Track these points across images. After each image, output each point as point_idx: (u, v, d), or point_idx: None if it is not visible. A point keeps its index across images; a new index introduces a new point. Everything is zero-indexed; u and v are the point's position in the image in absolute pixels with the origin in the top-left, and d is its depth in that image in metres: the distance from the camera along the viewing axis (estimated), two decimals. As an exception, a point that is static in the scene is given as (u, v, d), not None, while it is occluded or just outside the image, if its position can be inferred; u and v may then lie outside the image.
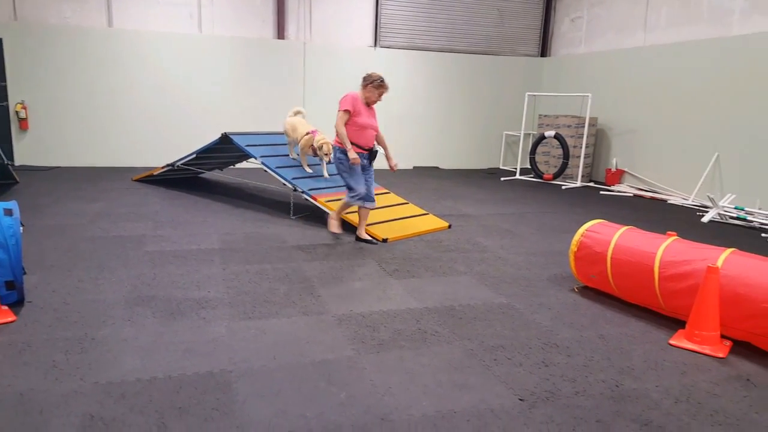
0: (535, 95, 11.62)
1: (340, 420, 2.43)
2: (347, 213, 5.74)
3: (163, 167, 7.91)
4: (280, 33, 10.54)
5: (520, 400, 2.67)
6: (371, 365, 2.95)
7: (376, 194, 6.22)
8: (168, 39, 9.90)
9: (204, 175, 9.01)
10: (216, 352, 3.02)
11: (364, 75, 5.22)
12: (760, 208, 7.33)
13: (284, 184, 6.35)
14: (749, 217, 7.12)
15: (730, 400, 2.76)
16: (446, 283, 4.36)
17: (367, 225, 5.69)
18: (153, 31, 9.85)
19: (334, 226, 5.50)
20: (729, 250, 3.47)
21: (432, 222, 6.21)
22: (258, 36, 10.50)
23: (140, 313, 3.50)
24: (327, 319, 3.55)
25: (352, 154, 5.12)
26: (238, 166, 8.99)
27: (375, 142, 5.38)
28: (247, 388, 2.66)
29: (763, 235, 6.56)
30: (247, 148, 6.60)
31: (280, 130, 7.13)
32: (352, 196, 5.28)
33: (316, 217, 6.39)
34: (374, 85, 5.14)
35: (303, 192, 6.11)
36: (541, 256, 5.25)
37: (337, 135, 5.21)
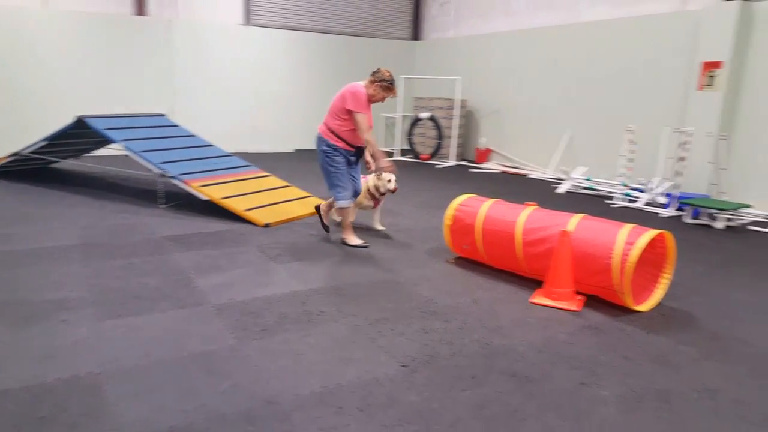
0: (409, 78, 11.94)
1: (223, 409, 2.37)
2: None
3: (7, 157, 7.04)
4: (140, 9, 9.75)
5: (403, 366, 2.78)
6: (255, 352, 2.90)
7: (257, 177, 6.03)
8: (4, 13, 8.73)
9: (56, 165, 8.14)
10: (80, 355, 2.78)
11: (373, 70, 4.72)
12: (606, 179, 8.23)
13: (150, 170, 5.93)
14: (597, 187, 7.98)
15: (583, 346, 3.10)
16: (331, 264, 4.38)
17: (246, 210, 5.53)
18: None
19: (352, 239, 4.90)
20: (579, 216, 3.86)
21: (315, 205, 6.17)
22: (114, 11, 9.63)
23: (-14, 321, 3.11)
24: (206, 309, 3.41)
25: (384, 164, 4.77)
26: (96, 153, 8.23)
27: None
28: (119, 389, 2.48)
29: (606, 201, 7.39)
30: (107, 132, 6.07)
31: (147, 111, 6.62)
32: (343, 197, 4.77)
33: (190, 204, 6.07)
34: (383, 85, 4.64)
35: (173, 177, 5.76)
36: (420, 232, 5.46)
37: (363, 139, 4.72)
